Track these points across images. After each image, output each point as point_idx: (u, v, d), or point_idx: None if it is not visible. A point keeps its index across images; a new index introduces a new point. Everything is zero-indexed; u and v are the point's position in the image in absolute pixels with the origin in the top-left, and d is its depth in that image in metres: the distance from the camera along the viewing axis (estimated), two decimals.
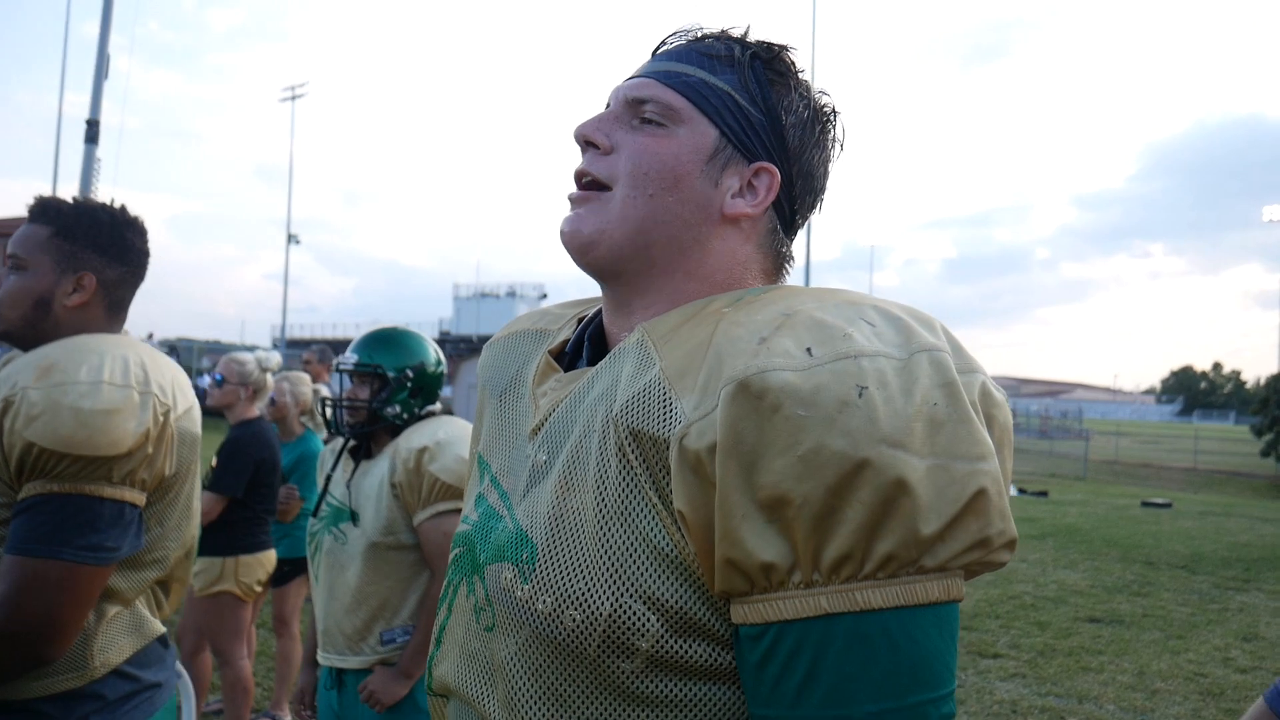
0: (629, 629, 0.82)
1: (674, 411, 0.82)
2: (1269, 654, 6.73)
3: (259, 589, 4.10)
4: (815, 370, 0.77)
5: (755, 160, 0.97)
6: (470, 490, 1.11)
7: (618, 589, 0.83)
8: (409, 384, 2.61)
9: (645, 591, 0.82)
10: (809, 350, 0.79)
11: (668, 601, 0.82)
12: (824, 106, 1.00)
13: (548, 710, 0.87)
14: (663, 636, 0.82)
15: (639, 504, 0.83)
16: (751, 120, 0.96)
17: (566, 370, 1.03)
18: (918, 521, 0.75)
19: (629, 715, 0.84)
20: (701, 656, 0.83)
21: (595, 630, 0.83)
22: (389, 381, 2.60)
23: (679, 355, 0.85)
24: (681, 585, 0.82)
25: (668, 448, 0.81)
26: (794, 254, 1.03)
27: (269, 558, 4.15)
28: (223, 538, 3.98)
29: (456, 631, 1.00)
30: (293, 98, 49.51)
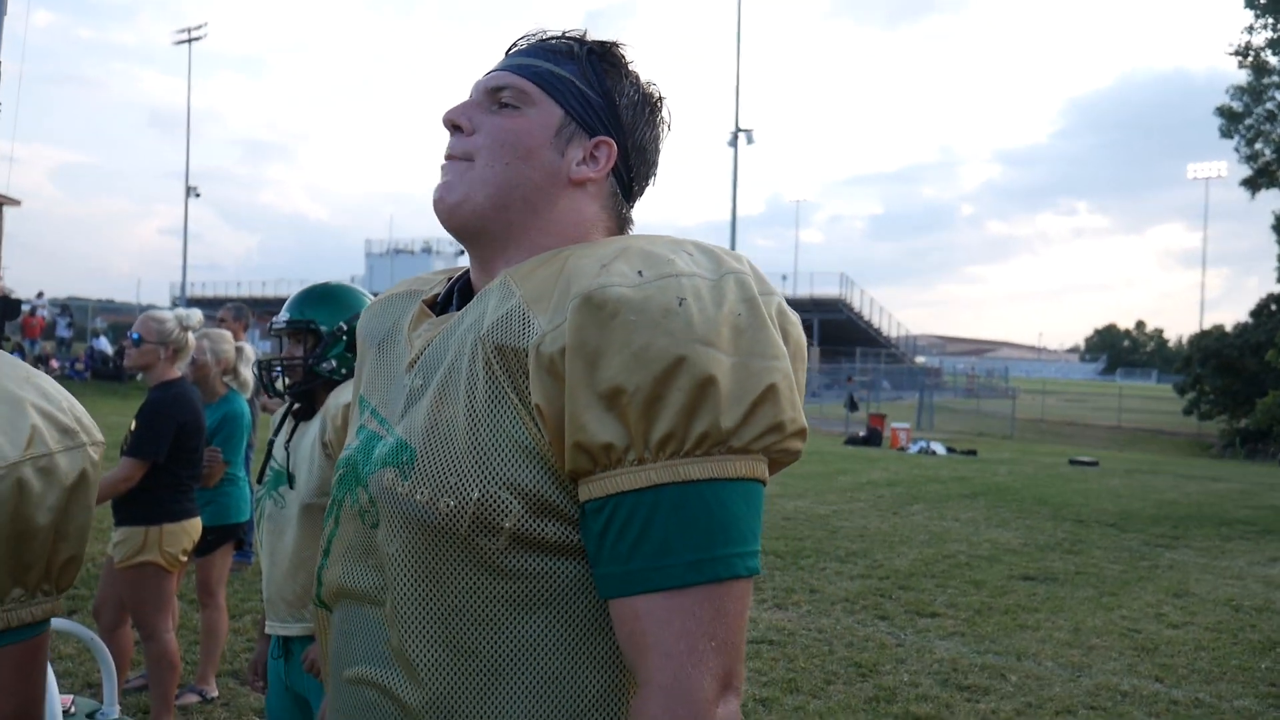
0: (494, 511, 0.99)
1: (531, 327, 0.99)
2: (1200, 609, 6.85)
3: (183, 559, 3.90)
4: (644, 285, 0.95)
5: (595, 135, 1.14)
6: (351, 427, 1.28)
7: (485, 478, 0.99)
8: (344, 338, 2.56)
9: (508, 479, 0.99)
10: (640, 272, 0.97)
11: (527, 486, 0.99)
12: (652, 93, 1.19)
13: (426, 587, 1.03)
14: (523, 517, 0.99)
15: (503, 407, 1.00)
16: (591, 102, 1.14)
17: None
18: (724, 406, 0.94)
19: (494, 586, 1.01)
20: (555, 534, 1.00)
21: (465, 513, 0.99)
22: (323, 337, 2.56)
23: (534, 285, 1.03)
24: (538, 472, 0.99)
25: (527, 356, 0.98)
26: (634, 219, 1.21)
27: (194, 526, 3.95)
28: (145, 506, 3.77)
29: (344, 538, 1.15)
30: (189, 40, 45.46)
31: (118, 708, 4.11)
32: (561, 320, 0.96)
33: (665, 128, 1.21)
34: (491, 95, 1.16)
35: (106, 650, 4.00)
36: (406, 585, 1.04)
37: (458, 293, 1.20)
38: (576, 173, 1.13)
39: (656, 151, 1.21)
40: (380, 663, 1.07)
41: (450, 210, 1.14)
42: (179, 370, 3.96)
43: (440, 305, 1.22)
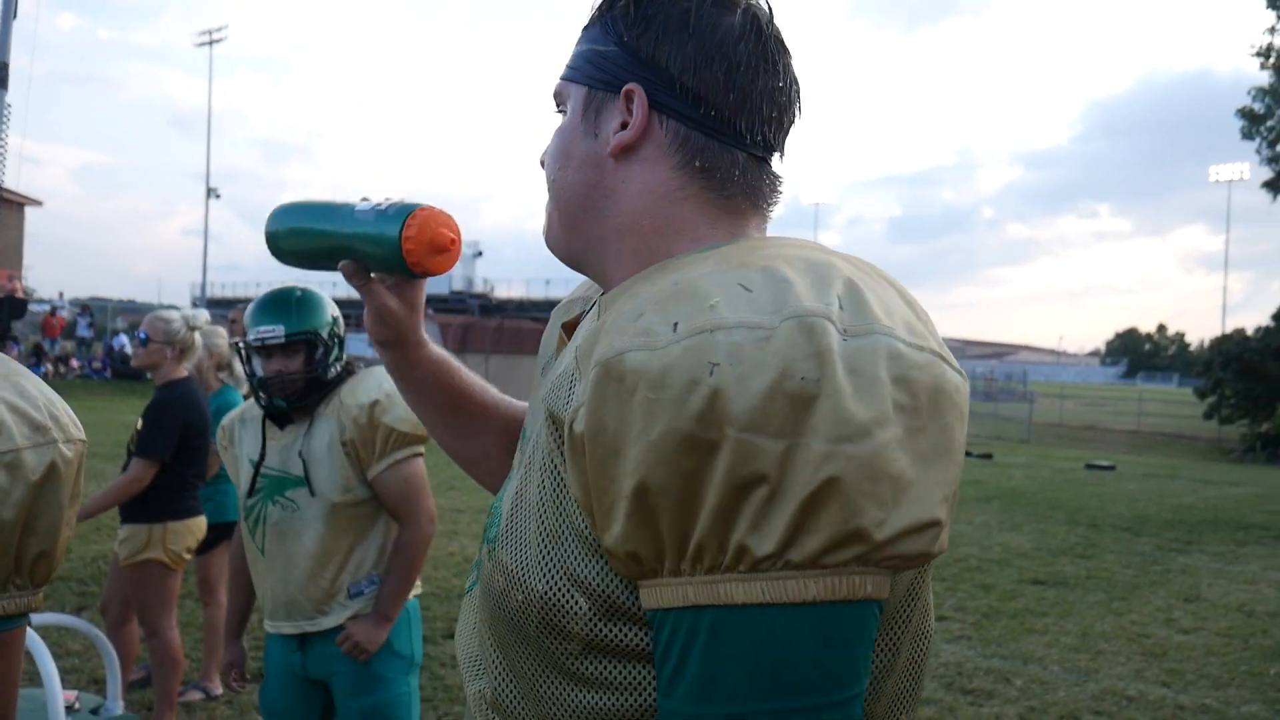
0: (561, 612, 0.81)
1: (574, 393, 0.79)
2: (1210, 614, 6.80)
3: (187, 557, 3.94)
4: (669, 349, 0.73)
5: (622, 87, 0.91)
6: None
7: (550, 572, 0.81)
8: (339, 338, 2.59)
9: (573, 574, 0.80)
10: (674, 326, 0.74)
11: (592, 584, 0.79)
12: None
13: (512, 682, 0.88)
14: (593, 620, 0.80)
15: (560, 486, 0.81)
16: (606, 55, 0.92)
17: None
18: (771, 511, 0.70)
19: (575, 694, 0.82)
20: (632, 639, 0.80)
21: (533, 612, 0.82)
22: (322, 342, 2.56)
23: (586, 331, 0.83)
24: (602, 568, 0.79)
25: (568, 429, 0.78)
26: (745, 156, 0.91)
27: (199, 524, 3.99)
28: (149, 504, 3.81)
29: (472, 598, 1.00)
30: (210, 42, 45.86)
31: (121, 703, 4.15)
32: (585, 392, 0.76)
33: (723, 27, 0.90)
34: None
35: (111, 647, 4.05)
36: (496, 673, 0.90)
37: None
38: (613, 143, 0.91)
39: (743, 57, 0.89)
40: None
41: (550, 249, 1.01)
42: (185, 370, 4.01)
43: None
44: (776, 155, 0.95)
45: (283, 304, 2.55)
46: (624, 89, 0.91)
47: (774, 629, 0.70)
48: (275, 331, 2.52)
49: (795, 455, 0.69)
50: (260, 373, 2.55)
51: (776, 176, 0.96)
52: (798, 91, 0.95)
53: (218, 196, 46.74)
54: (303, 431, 2.57)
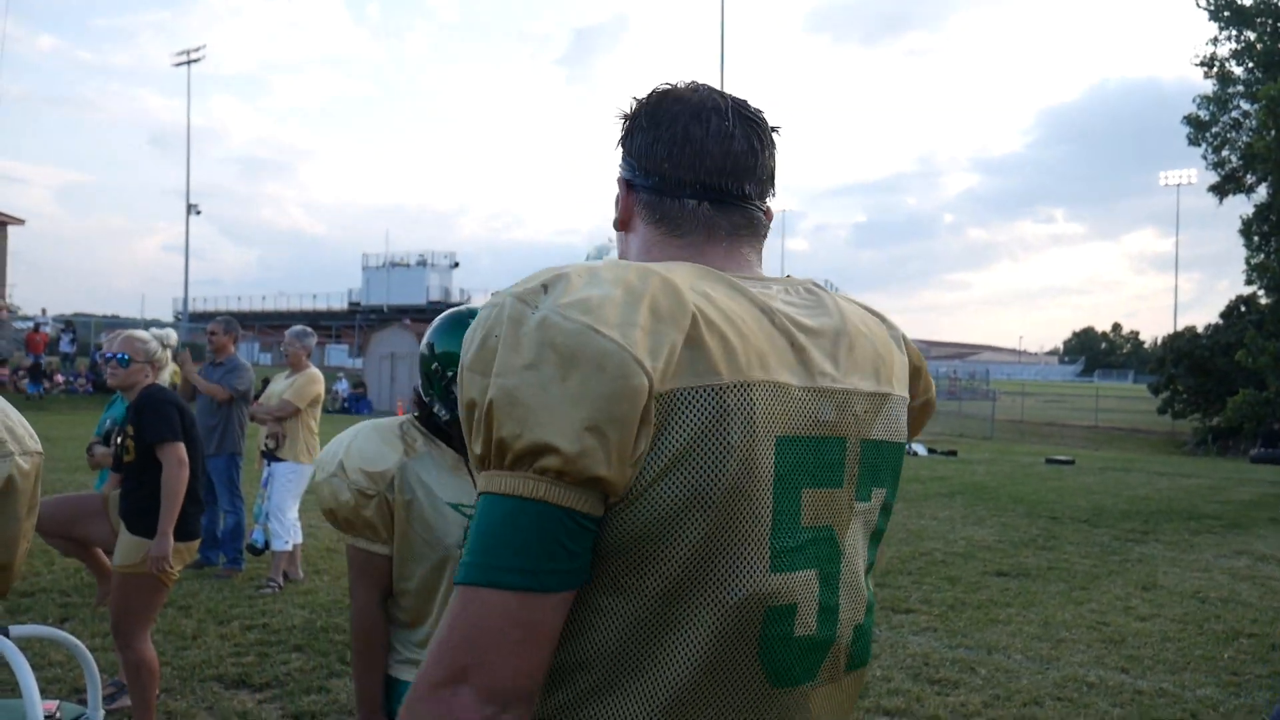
0: None
1: None
2: (1167, 602, 7.00)
3: (177, 576, 3.98)
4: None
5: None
6: None
7: None
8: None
9: None
10: None
11: None
12: (649, 96, 1.20)
13: None
14: None
15: None
16: (620, 159, 1.22)
17: None
18: (476, 426, 1.00)
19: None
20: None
21: None
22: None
23: None
24: None
25: None
26: (692, 201, 1.17)
27: (192, 548, 4.06)
28: (155, 521, 3.86)
29: None
30: (188, 62, 47.55)
31: (102, 713, 4.18)
32: None
33: (673, 113, 1.16)
34: None
35: (91, 657, 4.08)
36: None
37: None
38: (616, 221, 1.24)
39: (662, 141, 1.16)
40: None
41: None
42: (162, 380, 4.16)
43: None
44: (750, 188, 1.18)
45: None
46: (617, 180, 1.22)
47: (490, 510, 0.97)
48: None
49: (483, 386, 0.99)
50: None
51: (747, 206, 1.19)
52: (761, 143, 1.19)
53: (198, 213, 47.12)
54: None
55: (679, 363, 0.98)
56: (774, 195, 1.24)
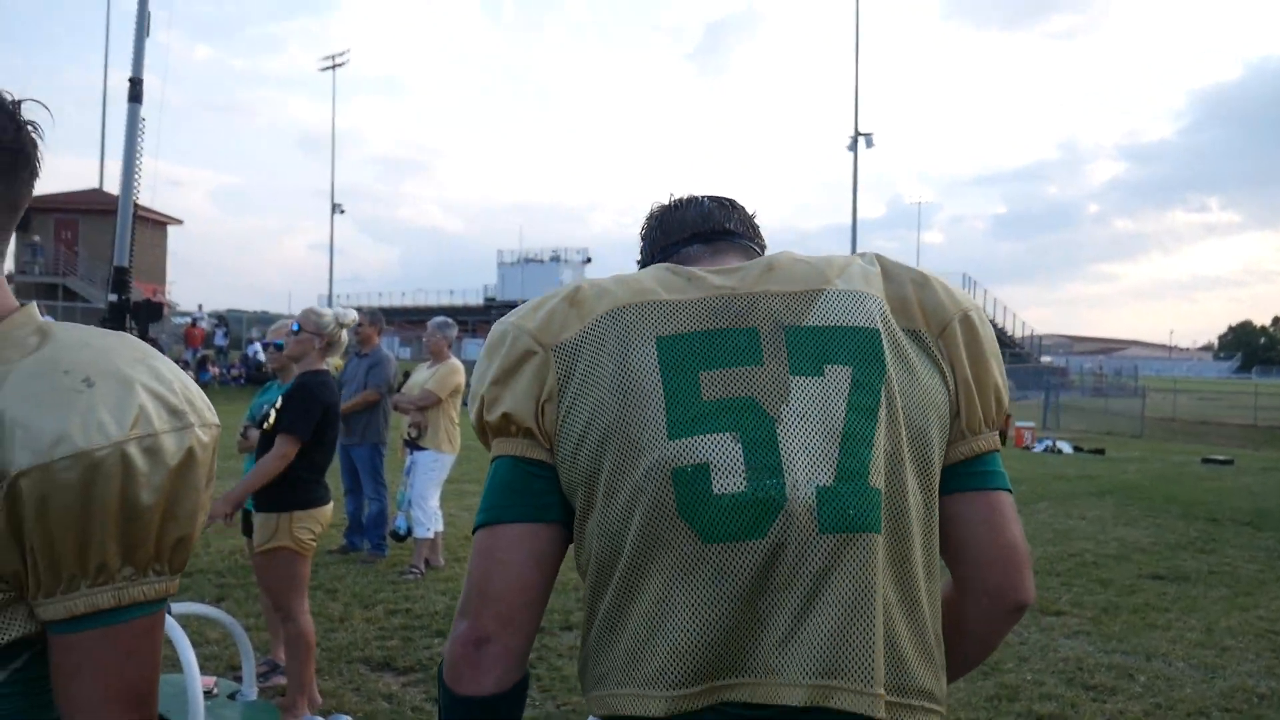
0: None
1: None
2: None
3: (314, 544, 4.09)
4: None
5: None
6: None
7: None
8: None
9: None
10: None
11: None
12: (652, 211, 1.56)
13: None
14: None
15: None
16: None
17: None
18: None
19: None
20: None
21: None
22: None
23: None
24: None
25: None
26: (705, 240, 1.50)
27: (325, 513, 4.13)
28: (280, 493, 3.95)
29: None
30: (333, 67, 49.34)
31: (256, 689, 4.33)
32: None
33: (671, 204, 1.55)
34: None
35: (246, 636, 4.23)
36: None
37: None
38: None
39: (662, 218, 1.53)
40: None
41: None
42: (327, 364, 4.24)
43: None
44: (733, 226, 1.49)
45: None
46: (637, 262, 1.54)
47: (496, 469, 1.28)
48: None
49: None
50: None
51: (731, 236, 1.48)
52: (731, 206, 1.53)
53: (342, 212, 49.03)
54: None
55: (563, 320, 1.26)
56: (762, 244, 1.52)
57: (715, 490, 1.16)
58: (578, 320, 1.25)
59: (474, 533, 1.26)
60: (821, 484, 1.18)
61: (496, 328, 1.29)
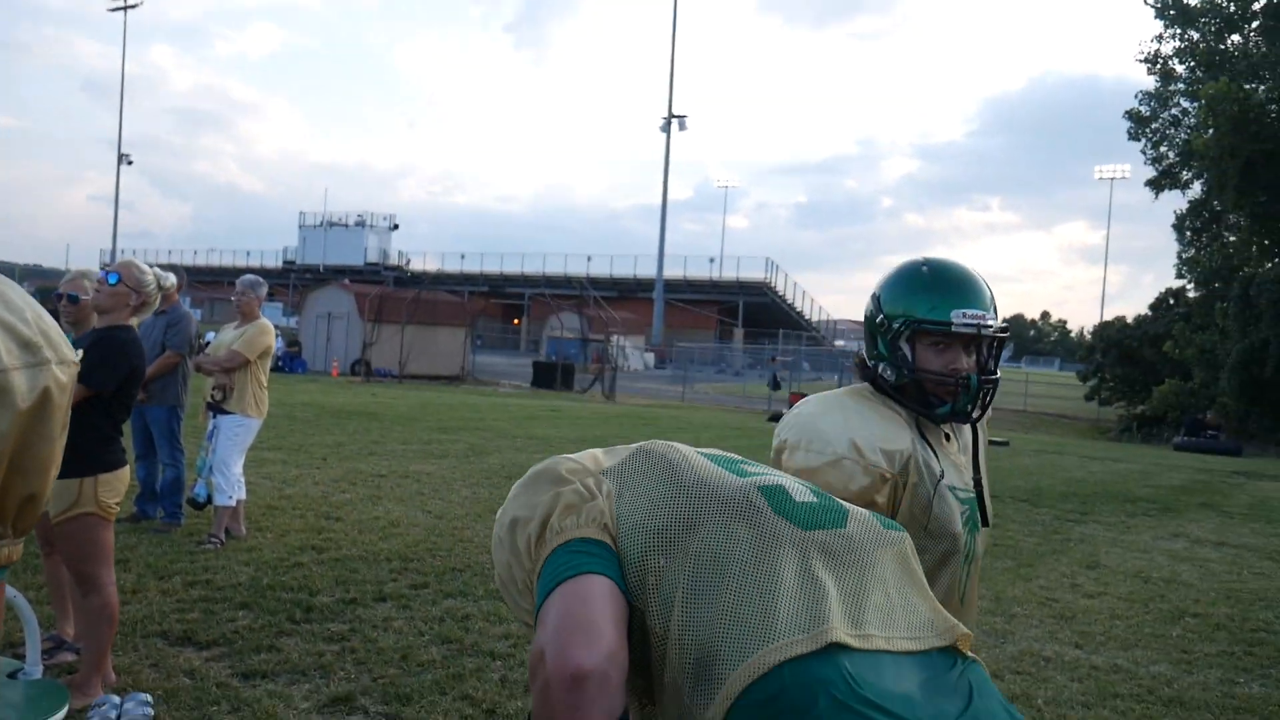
0: None
1: None
2: (1111, 580, 7.09)
3: (117, 508, 3.79)
4: None
5: None
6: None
7: None
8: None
9: None
10: None
11: None
12: None
13: None
14: None
15: None
16: None
17: None
18: None
19: None
20: None
21: None
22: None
23: None
24: None
25: None
26: None
27: (125, 475, 3.84)
28: (79, 456, 3.60)
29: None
30: (124, 8, 46.01)
31: (40, 667, 3.97)
32: None
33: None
34: None
35: (30, 611, 3.87)
36: None
37: None
38: None
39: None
40: None
41: None
42: (134, 323, 4.00)
43: None
44: None
45: (984, 288, 2.08)
46: None
47: None
48: (991, 321, 2.01)
49: None
50: (963, 367, 2.00)
51: None
52: None
53: (130, 163, 45.86)
54: (956, 446, 2.06)
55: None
56: None
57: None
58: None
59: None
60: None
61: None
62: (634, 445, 1.56)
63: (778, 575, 1.33)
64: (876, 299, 2.05)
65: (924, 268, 2.05)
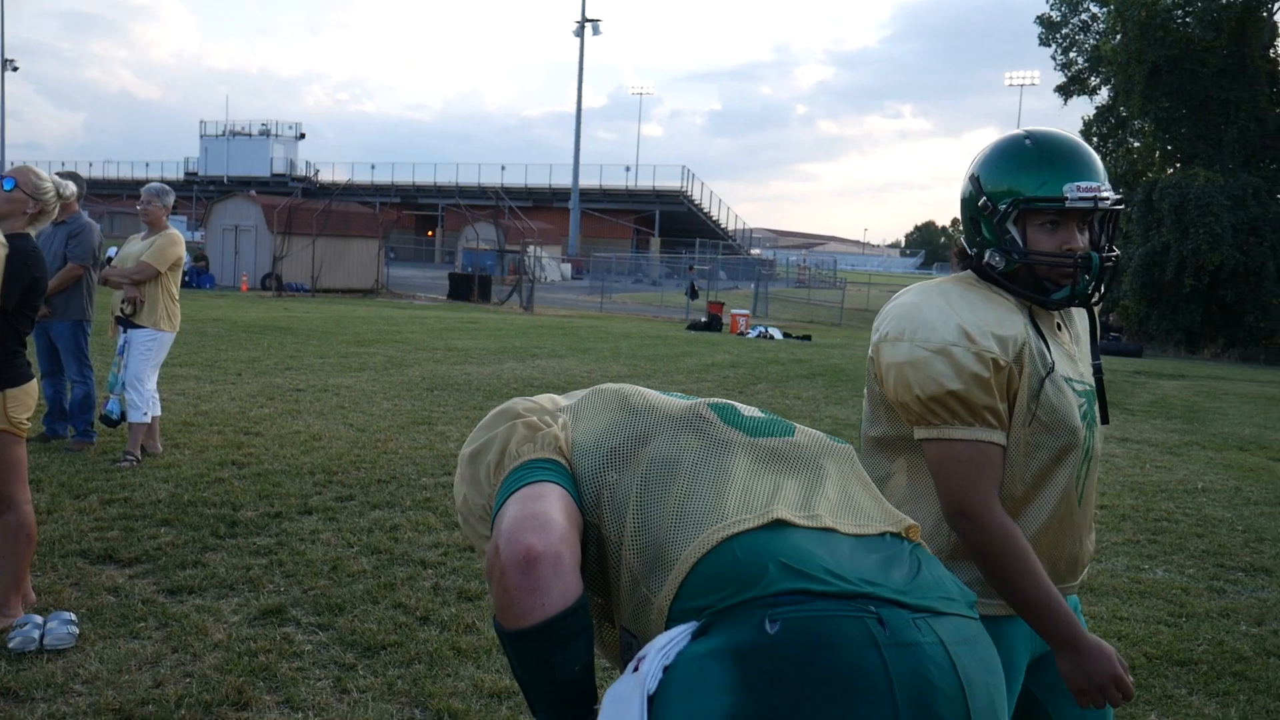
0: None
1: None
2: None
3: (29, 424, 3.65)
4: None
5: None
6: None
7: None
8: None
9: None
10: None
11: None
12: None
13: None
14: None
15: None
16: None
17: None
18: None
19: None
20: None
21: None
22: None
23: None
24: None
25: None
26: None
27: (34, 388, 3.69)
28: None
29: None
30: None
31: None
32: None
33: None
34: None
35: None
36: None
37: None
38: None
39: None
40: None
41: None
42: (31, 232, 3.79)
43: None
44: None
45: (1095, 157, 1.85)
46: None
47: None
48: (1106, 193, 1.81)
49: None
50: (1079, 246, 1.82)
51: None
52: None
53: (15, 69, 43.41)
54: (1068, 336, 1.91)
55: None
56: None
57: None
58: None
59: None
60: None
61: None
62: (589, 388, 1.64)
63: (727, 472, 1.37)
64: (975, 179, 1.87)
65: (1027, 140, 1.85)
